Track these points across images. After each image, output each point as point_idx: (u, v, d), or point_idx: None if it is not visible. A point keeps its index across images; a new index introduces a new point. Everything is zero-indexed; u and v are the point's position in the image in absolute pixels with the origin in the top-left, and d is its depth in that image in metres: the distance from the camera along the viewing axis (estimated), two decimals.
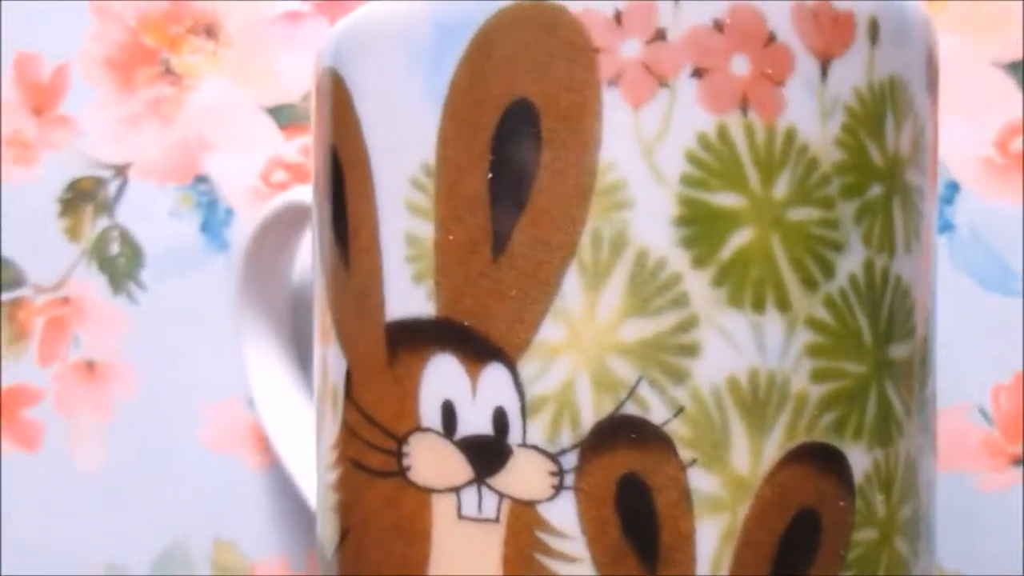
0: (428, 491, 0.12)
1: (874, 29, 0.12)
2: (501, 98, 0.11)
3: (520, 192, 0.11)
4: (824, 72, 0.11)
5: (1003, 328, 0.20)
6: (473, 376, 0.12)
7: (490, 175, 0.11)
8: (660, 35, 0.11)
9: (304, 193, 0.21)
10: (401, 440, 0.12)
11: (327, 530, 0.14)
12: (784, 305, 0.11)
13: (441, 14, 0.12)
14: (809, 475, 0.11)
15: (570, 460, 0.11)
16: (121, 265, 0.25)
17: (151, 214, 0.25)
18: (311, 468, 0.21)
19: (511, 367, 0.11)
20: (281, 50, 0.24)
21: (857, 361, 0.12)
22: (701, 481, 0.11)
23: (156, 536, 0.24)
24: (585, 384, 0.11)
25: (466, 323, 0.12)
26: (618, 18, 0.11)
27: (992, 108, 0.20)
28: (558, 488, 0.11)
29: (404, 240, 0.12)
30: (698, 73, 0.11)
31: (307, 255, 0.23)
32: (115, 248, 0.25)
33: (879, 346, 0.12)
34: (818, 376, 0.11)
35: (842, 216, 0.12)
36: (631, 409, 0.11)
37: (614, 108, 0.11)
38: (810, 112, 0.11)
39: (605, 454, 0.11)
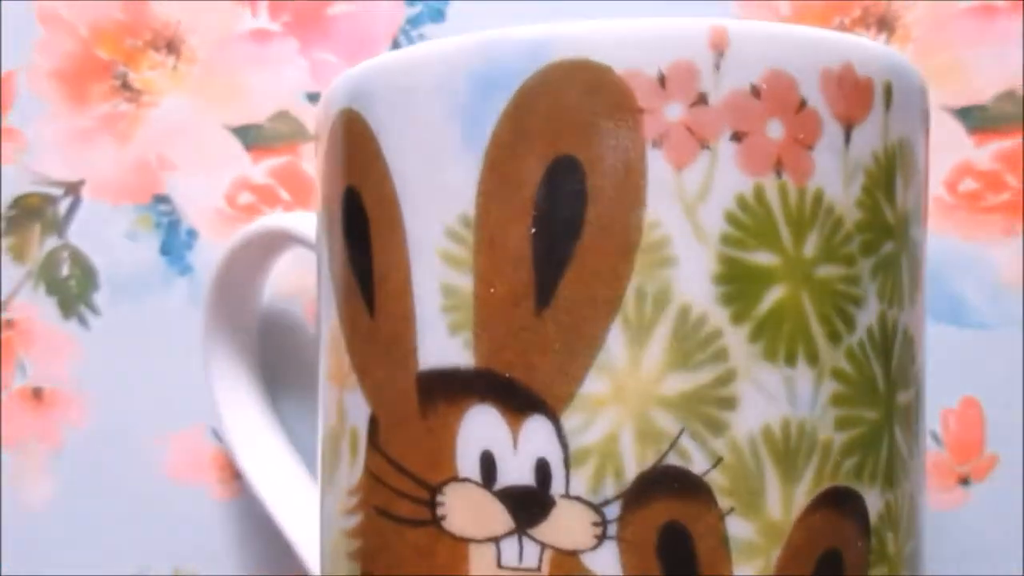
0: (466, 541, 0.12)
1: (888, 94, 0.12)
2: (545, 154, 0.12)
3: (565, 247, 0.12)
4: (848, 137, 0.12)
5: (952, 357, 0.21)
6: (514, 427, 0.12)
7: (533, 230, 0.12)
8: (702, 99, 0.11)
9: (281, 219, 0.20)
10: (435, 489, 0.12)
11: (340, 573, 0.14)
12: (813, 358, 0.12)
13: (481, 65, 0.12)
14: (833, 518, 0.12)
15: (613, 511, 0.11)
16: (72, 288, 0.24)
17: (105, 235, 0.24)
18: (288, 498, 0.21)
19: (554, 419, 0.12)
20: (248, 69, 0.23)
21: (872, 408, 0.12)
22: (738, 528, 0.12)
23: (111, 571, 0.23)
24: (629, 436, 0.11)
25: (508, 375, 0.12)
26: (662, 81, 0.11)
27: (943, 151, 0.21)
28: (601, 538, 0.12)
29: (440, 290, 0.12)
30: (737, 137, 0.11)
31: (278, 280, 0.23)
32: (65, 270, 0.24)
33: (890, 394, 0.13)
34: (841, 424, 0.12)
35: (862, 272, 0.12)
36: (673, 460, 0.11)
37: (658, 168, 0.11)
38: (835, 175, 0.12)
39: (647, 504, 0.11)
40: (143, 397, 0.23)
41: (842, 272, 0.12)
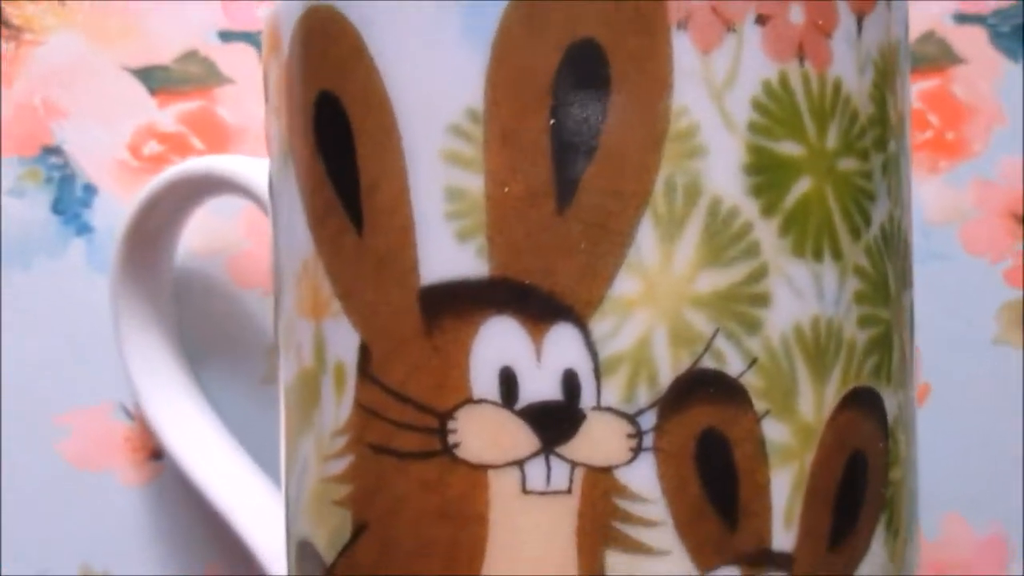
0: (484, 468, 0.11)
1: None
2: (562, 38, 0.11)
3: (588, 139, 0.11)
4: (860, 27, 0.12)
5: None
6: (537, 338, 0.11)
7: (552, 121, 0.11)
8: None
9: (214, 161, 0.18)
10: (445, 416, 0.11)
11: (326, 529, 0.12)
12: (838, 254, 0.11)
13: None
14: (858, 419, 0.12)
15: (648, 420, 0.11)
16: None
17: None
18: (223, 474, 0.19)
19: (581, 326, 0.11)
20: (149, 5, 0.21)
21: (885, 308, 0.12)
22: (774, 431, 0.11)
23: (8, 573, 0.20)
24: (663, 339, 0.11)
25: (527, 281, 0.11)
26: None
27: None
28: (636, 450, 0.11)
29: (444, 194, 0.11)
30: (761, 20, 0.11)
31: (191, 238, 0.21)
32: None
33: (897, 294, 0.12)
34: (862, 322, 0.12)
35: (874, 168, 0.12)
36: (708, 363, 0.11)
37: (683, 52, 0.11)
38: (851, 65, 0.12)
39: (684, 411, 0.11)
40: (39, 373, 0.21)
41: (860, 166, 0.12)
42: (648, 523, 0.11)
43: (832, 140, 0.11)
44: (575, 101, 0.11)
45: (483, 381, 0.11)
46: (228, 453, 0.19)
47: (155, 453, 0.21)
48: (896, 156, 0.12)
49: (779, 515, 0.11)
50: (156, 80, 0.21)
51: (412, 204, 0.11)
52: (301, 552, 0.13)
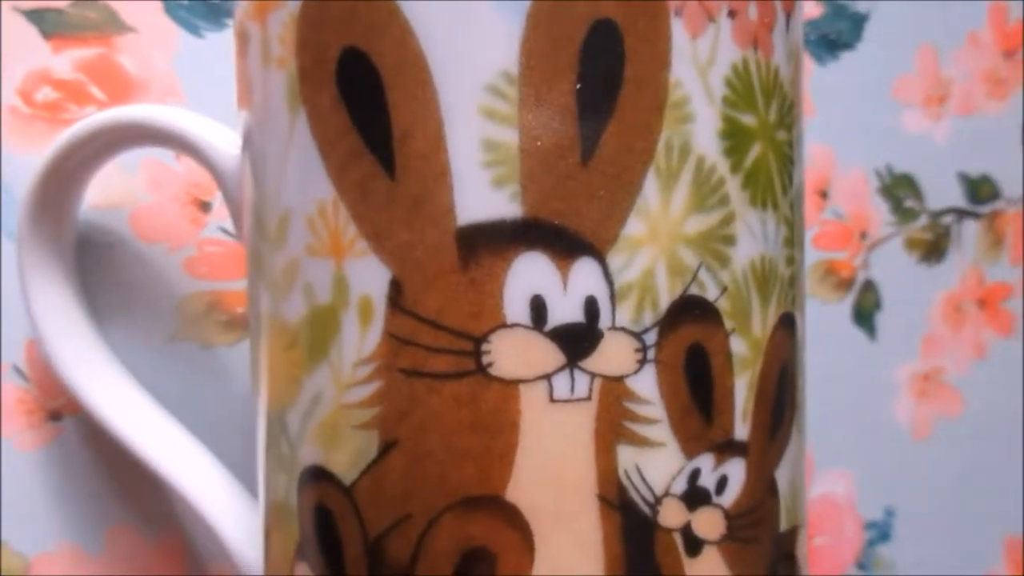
0: (516, 382, 0.13)
1: None
2: (586, 15, 0.13)
3: (607, 102, 0.13)
4: (788, 23, 0.15)
5: None
6: (563, 270, 0.13)
7: (579, 86, 0.13)
8: None
9: (124, 113, 0.18)
10: (480, 339, 0.13)
11: (345, 452, 0.14)
12: (775, 205, 0.14)
13: None
14: (785, 338, 0.15)
15: (651, 337, 0.13)
16: None
17: None
18: (144, 428, 0.19)
19: (601, 260, 0.13)
20: None
21: (797, 249, 0.15)
22: (737, 345, 0.14)
23: None
24: (662, 271, 0.13)
25: (556, 222, 0.13)
26: None
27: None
28: (642, 362, 0.13)
29: (480, 146, 0.13)
30: (731, 14, 0.13)
31: (90, 191, 0.20)
32: None
33: (800, 239, 0.16)
34: (788, 261, 0.15)
35: (794, 139, 0.15)
36: (694, 290, 0.13)
37: (679, 35, 0.13)
38: (783, 56, 0.15)
39: (677, 329, 0.13)
40: None
41: (787, 137, 0.15)
42: (650, 421, 0.13)
43: (772, 115, 0.14)
44: (597, 70, 0.13)
45: (515, 308, 0.13)
46: (145, 407, 0.19)
47: (52, 414, 0.20)
48: (799, 131, 0.16)
49: (739, 413, 0.14)
50: (50, 24, 0.20)
51: (448, 152, 0.13)
52: (308, 478, 0.14)
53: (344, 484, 0.14)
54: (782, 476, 0.15)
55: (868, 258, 0.28)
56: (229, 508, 0.19)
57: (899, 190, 0.28)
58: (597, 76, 0.13)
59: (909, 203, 0.28)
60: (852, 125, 0.28)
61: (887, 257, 0.28)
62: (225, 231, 0.21)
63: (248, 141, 0.16)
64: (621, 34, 0.13)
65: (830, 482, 0.27)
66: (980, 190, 0.30)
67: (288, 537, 0.15)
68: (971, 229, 0.29)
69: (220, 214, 0.21)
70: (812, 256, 0.27)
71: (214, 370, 0.21)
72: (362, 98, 0.13)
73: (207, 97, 0.21)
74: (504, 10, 0.13)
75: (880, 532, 0.28)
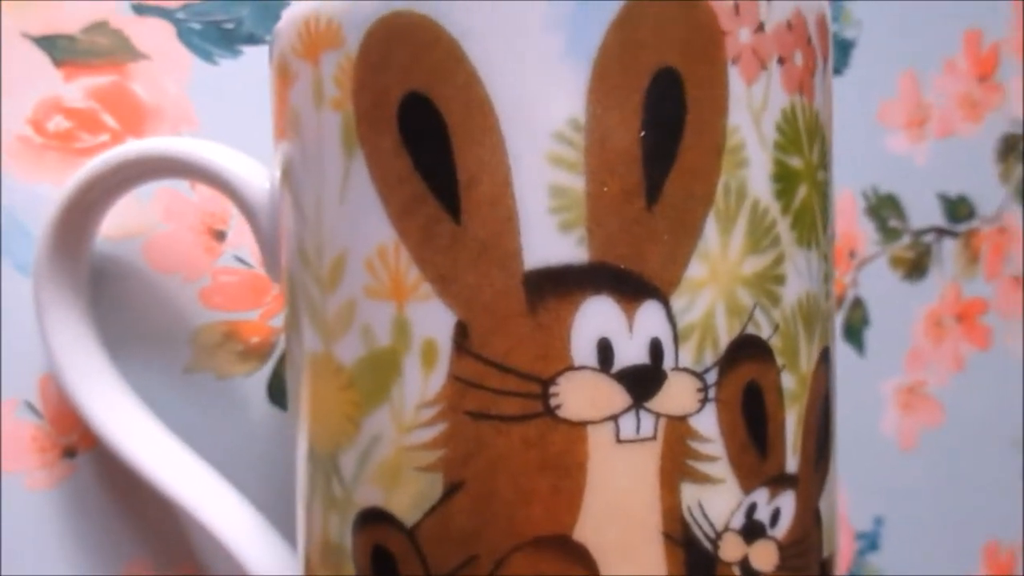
0: (583, 424, 0.13)
1: (826, 32, 0.16)
2: (649, 65, 0.13)
3: (670, 148, 0.13)
4: (824, 68, 0.15)
5: None
6: (629, 313, 0.13)
7: (642, 133, 0.13)
8: (761, 27, 0.14)
9: (149, 145, 0.18)
10: (548, 382, 0.13)
11: (408, 494, 0.14)
12: (817, 244, 0.15)
13: None
14: (824, 371, 0.15)
15: (712, 376, 0.13)
16: None
17: None
18: (162, 461, 0.19)
19: (664, 302, 0.13)
20: None
21: (830, 284, 0.16)
22: (787, 381, 0.14)
23: None
24: (722, 312, 0.13)
25: (623, 266, 0.13)
26: (736, 9, 0.13)
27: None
28: (704, 401, 0.13)
29: (548, 191, 0.13)
30: (781, 61, 0.14)
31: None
32: None
33: (833, 273, 0.16)
34: (826, 297, 0.15)
35: (828, 179, 0.16)
36: (750, 329, 0.14)
37: (735, 82, 0.13)
38: (822, 99, 0.15)
39: (735, 368, 0.13)
40: None
41: (825, 177, 0.15)
42: (711, 459, 0.13)
43: (815, 157, 0.15)
44: (661, 117, 0.13)
45: (583, 350, 0.13)
46: (163, 440, 0.19)
47: (67, 451, 0.20)
48: (831, 173, 0.16)
49: (789, 447, 0.14)
50: (61, 51, 0.19)
51: (515, 197, 0.13)
52: (365, 520, 0.14)
53: (406, 526, 0.14)
54: (824, 505, 0.15)
55: (857, 276, 0.29)
56: (255, 541, 0.18)
57: (884, 210, 0.29)
58: (660, 123, 0.13)
59: (893, 223, 0.29)
60: (840, 148, 0.29)
61: (874, 275, 0.29)
62: (240, 260, 0.21)
63: (289, 175, 0.15)
64: (683, 82, 0.13)
65: None
66: (958, 209, 0.31)
67: None
68: (950, 247, 0.31)
69: (234, 243, 0.21)
70: None
71: (230, 401, 0.21)
72: (425, 143, 0.13)
73: (222, 124, 0.21)
74: (572, 57, 0.13)
75: (870, 542, 0.29)
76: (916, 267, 0.30)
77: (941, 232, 0.30)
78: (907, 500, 0.29)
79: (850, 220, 0.29)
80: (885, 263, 0.29)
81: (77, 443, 0.20)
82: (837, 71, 0.28)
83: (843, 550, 0.29)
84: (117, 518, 0.20)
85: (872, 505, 0.29)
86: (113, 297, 0.20)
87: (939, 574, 0.30)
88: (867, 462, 0.29)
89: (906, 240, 0.29)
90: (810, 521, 0.15)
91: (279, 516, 0.19)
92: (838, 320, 0.29)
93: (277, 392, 0.21)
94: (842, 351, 0.29)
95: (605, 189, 0.13)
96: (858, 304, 0.29)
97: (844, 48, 0.28)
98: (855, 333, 0.29)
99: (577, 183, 0.13)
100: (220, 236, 0.21)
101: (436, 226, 0.13)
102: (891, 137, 0.29)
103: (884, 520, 0.29)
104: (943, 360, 0.30)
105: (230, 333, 0.21)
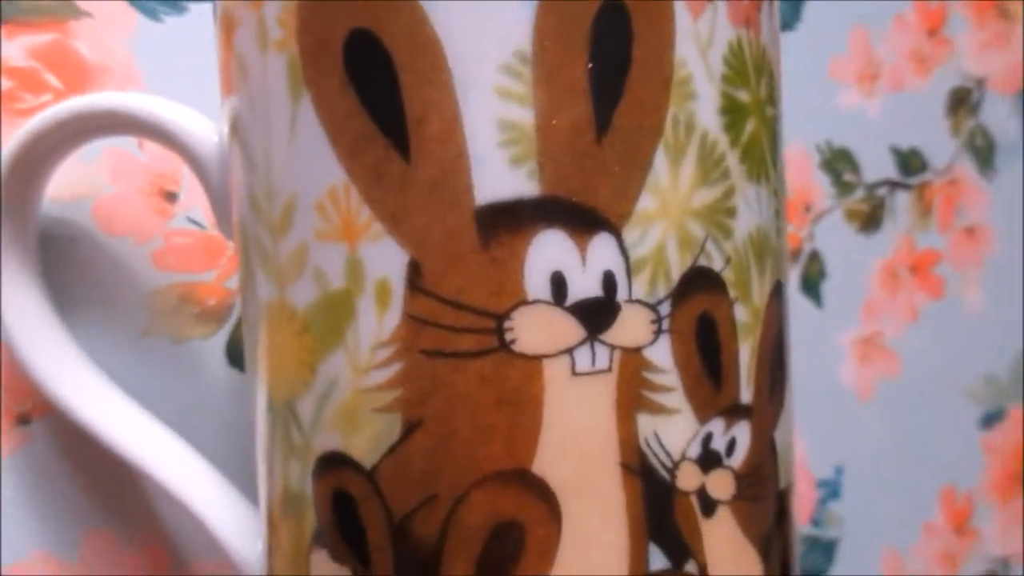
0: (539, 357, 0.13)
1: None
2: None
3: (618, 81, 0.13)
4: (771, 5, 0.15)
5: None
6: (582, 247, 0.13)
7: (590, 65, 0.13)
8: None
9: (94, 101, 0.17)
10: (502, 317, 0.13)
11: (365, 436, 0.14)
12: (768, 179, 0.15)
13: None
14: (777, 306, 0.15)
15: (665, 308, 0.13)
16: None
17: None
18: (123, 425, 0.18)
19: (617, 235, 0.13)
20: None
21: (782, 221, 0.16)
22: (740, 313, 0.14)
23: None
24: (673, 244, 0.13)
25: (574, 199, 0.13)
26: None
27: None
28: (657, 333, 0.13)
29: (497, 126, 0.13)
30: None
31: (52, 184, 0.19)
32: None
33: (783, 211, 0.16)
34: (778, 233, 0.16)
35: (777, 115, 0.16)
36: (702, 261, 0.14)
37: (681, 16, 0.13)
38: (768, 35, 0.15)
39: (688, 300, 0.14)
40: None
41: (774, 113, 0.15)
42: (666, 389, 0.14)
43: (763, 91, 0.15)
44: (607, 50, 0.13)
45: (536, 284, 0.13)
46: (123, 405, 0.19)
47: (21, 418, 0.19)
48: (782, 110, 0.16)
49: (743, 378, 0.14)
50: (1, 9, 0.19)
51: (465, 133, 0.13)
52: (325, 465, 0.14)
53: (365, 468, 0.14)
54: (779, 437, 0.15)
55: (813, 230, 0.29)
56: (218, 502, 0.18)
57: (838, 164, 0.29)
58: (607, 56, 0.13)
59: (847, 176, 0.30)
60: (793, 103, 0.29)
61: (829, 228, 0.30)
62: (193, 221, 0.21)
63: (237, 127, 0.15)
64: (629, 15, 0.13)
65: None
66: (910, 162, 0.31)
67: (302, 526, 0.15)
68: (903, 200, 0.31)
69: (187, 204, 0.21)
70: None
71: (188, 364, 0.21)
72: (372, 81, 0.13)
73: (167, 83, 0.20)
74: None
75: (831, 490, 0.30)
76: (871, 220, 0.30)
77: (894, 185, 0.31)
78: (866, 449, 0.30)
79: (805, 174, 0.29)
80: (840, 216, 0.30)
81: (31, 411, 0.19)
82: (788, 27, 0.29)
83: (805, 498, 0.29)
84: (75, 486, 0.20)
85: (832, 454, 0.30)
86: (63, 261, 0.20)
87: (899, 520, 0.31)
88: (826, 412, 0.29)
89: (860, 193, 0.30)
90: (766, 451, 0.15)
91: (239, 480, 0.19)
92: (795, 274, 0.29)
93: (235, 355, 0.21)
94: (800, 304, 0.29)
95: (554, 122, 0.13)
96: (815, 257, 0.29)
97: (795, 4, 0.29)
98: (812, 286, 0.29)
99: (526, 117, 0.13)
100: (171, 198, 0.21)
101: (386, 165, 0.13)
102: (843, 92, 0.30)
103: (844, 468, 0.30)
104: (898, 311, 0.31)
105: (186, 296, 0.21)
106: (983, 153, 0.33)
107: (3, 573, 0.19)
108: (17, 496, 0.19)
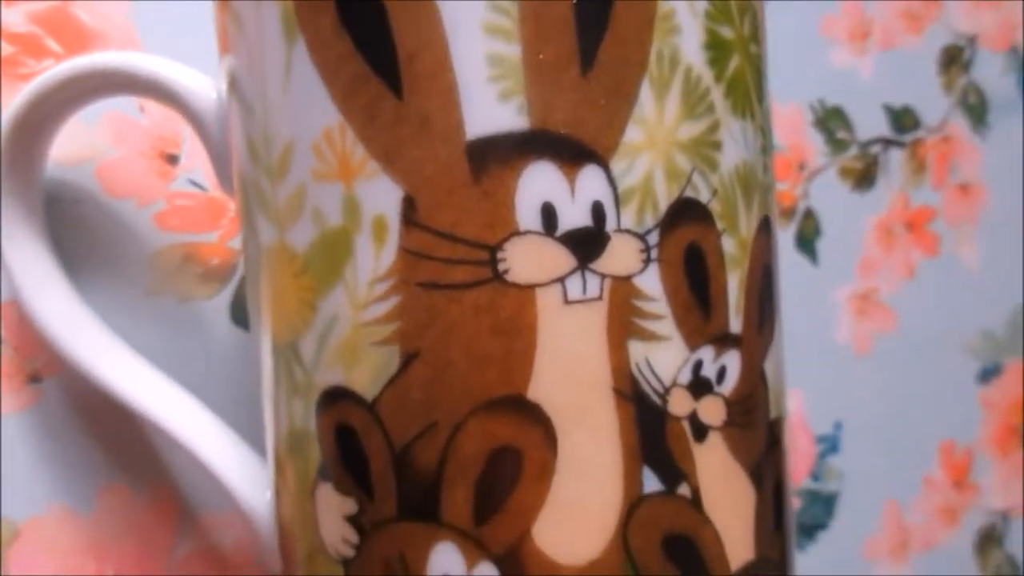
0: (532, 287, 0.13)
1: None
2: None
3: (602, 16, 0.13)
4: None
5: None
6: (570, 178, 0.13)
7: (575, 1, 0.13)
8: None
9: (96, 60, 0.18)
10: (495, 248, 0.13)
11: (366, 369, 0.14)
12: (753, 115, 0.15)
13: None
14: (766, 239, 0.16)
15: (653, 238, 0.14)
16: None
17: None
18: (133, 379, 0.19)
19: (604, 166, 0.13)
20: None
21: (769, 158, 0.16)
22: (728, 244, 0.15)
23: None
24: (660, 175, 0.14)
25: (562, 131, 0.13)
26: None
27: None
28: (647, 261, 0.14)
29: (485, 61, 0.13)
30: None
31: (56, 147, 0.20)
32: None
33: (772, 148, 0.17)
34: (764, 169, 0.16)
35: (762, 54, 0.16)
36: (689, 193, 0.14)
37: None
38: None
39: (676, 230, 0.14)
40: None
41: (758, 51, 0.16)
42: (656, 317, 0.14)
43: (747, 29, 0.15)
44: None
45: (527, 216, 0.13)
46: (131, 361, 0.19)
47: (32, 376, 0.20)
48: (767, 50, 0.17)
49: (732, 307, 0.15)
50: None
51: (455, 70, 0.13)
52: (327, 400, 0.15)
53: (366, 401, 0.14)
54: (769, 367, 0.16)
55: (807, 188, 0.30)
56: (227, 453, 0.19)
57: (831, 122, 0.30)
58: None
59: (841, 134, 0.30)
60: (785, 62, 0.30)
61: (824, 186, 0.30)
62: (195, 183, 0.21)
63: (235, 83, 0.16)
64: None
65: None
66: (903, 120, 0.31)
67: (307, 462, 0.15)
68: (896, 157, 0.31)
69: (188, 167, 0.21)
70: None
71: (193, 323, 0.21)
72: (364, 21, 0.13)
73: (166, 47, 0.20)
74: None
75: (830, 445, 0.30)
76: (864, 177, 0.31)
77: (888, 143, 0.31)
78: (864, 404, 0.30)
79: (799, 132, 0.30)
80: (834, 174, 0.30)
81: (42, 369, 0.20)
82: None
83: (804, 453, 0.30)
84: (88, 442, 0.20)
85: (831, 410, 0.30)
86: (68, 222, 0.20)
87: (898, 475, 0.31)
88: (824, 368, 0.30)
89: (854, 151, 0.30)
90: (756, 380, 0.15)
91: (245, 434, 0.19)
92: (790, 231, 0.29)
93: (239, 313, 0.21)
94: (795, 261, 0.29)
95: (541, 57, 0.13)
96: (809, 215, 0.30)
97: None
98: (808, 243, 0.30)
99: (513, 52, 0.13)
100: (173, 160, 0.21)
101: (379, 103, 0.14)
102: (835, 50, 0.30)
103: (843, 424, 0.30)
104: (894, 267, 0.31)
105: (189, 256, 0.21)
106: (976, 110, 0.33)
107: (23, 527, 0.20)
108: (32, 453, 0.20)
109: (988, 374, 0.33)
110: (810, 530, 0.30)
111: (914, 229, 0.32)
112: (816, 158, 0.30)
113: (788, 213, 0.29)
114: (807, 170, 0.30)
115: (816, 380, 0.30)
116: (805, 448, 0.30)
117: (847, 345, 0.30)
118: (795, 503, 0.29)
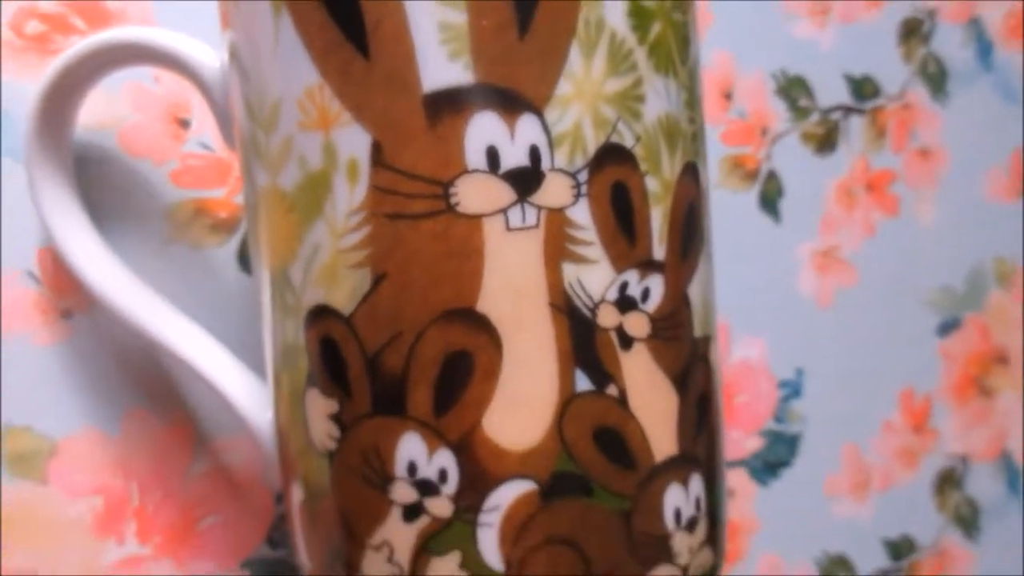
0: (479, 216, 0.16)
1: None
2: None
3: None
4: None
5: None
6: (511, 125, 0.16)
7: None
8: None
9: (116, 34, 0.20)
10: (448, 184, 0.16)
11: (344, 289, 0.17)
12: (676, 73, 0.18)
13: None
14: (690, 182, 0.18)
15: (583, 176, 0.16)
16: None
17: None
18: (150, 311, 0.22)
19: (540, 115, 0.16)
20: None
21: (694, 111, 0.19)
22: (651, 184, 0.17)
23: None
24: (588, 123, 0.16)
25: (503, 85, 0.16)
26: None
27: None
28: (577, 196, 0.16)
29: (438, 27, 0.16)
30: None
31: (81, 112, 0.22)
32: None
33: (698, 105, 0.19)
34: (688, 120, 0.18)
35: (688, 21, 0.19)
36: (615, 139, 0.17)
37: None
38: None
39: (602, 170, 0.17)
40: None
41: (683, 19, 0.18)
42: (586, 243, 0.17)
43: (669, 1, 0.18)
44: None
45: (474, 156, 0.16)
46: (152, 299, 0.22)
47: (64, 313, 0.23)
48: (695, 18, 0.19)
49: (656, 237, 0.17)
50: None
51: (412, 35, 0.16)
52: (313, 317, 0.17)
53: (344, 316, 0.17)
54: (694, 292, 0.18)
55: (770, 151, 0.32)
56: (235, 378, 0.22)
57: (793, 91, 0.32)
58: None
59: (803, 102, 0.32)
60: (748, 33, 0.32)
61: (786, 150, 0.32)
62: (204, 145, 0.24)
63: (234, 53, 0.18)
64: None
65: (746, 348, 0.31)
66: (863, 89, 0.34)
67: (298, 372, 0.18)
68: (857, 123, 0.34)
69: (198, 130, 0.24)
70: (720, 151, 0.31)
71: (205, 268, 0.24)
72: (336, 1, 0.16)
73: (177, 23, 0.23)
74: None
75: (792, 389, 0.33)
76: (826, 142, 0.33)
77: (848, 110, 0.33)
78: (826, 353, 0.33)
79: (762, 99, 0.32)
80: (796, 139, 0.32)
81: (73, 306, 0.23)
82: None
83: (767, 396, 0.32)
84: (115, 372, 0.23)
85: (793, 357, 0.32)
86: (95, 179, 0.23)
87: (860, 419, 0.33)
88: (787, 318, 0.32)
89: (815, 117, 0.32)
90: (679, 301, 0.18)
91: (249, 364, 0.22)
92: (754, 192, 0.32)
93: (245, 260, 0.24)
94: (759, 219, 0.32)
95: (484, 23, 0.16)
96: (772, 176, 0.32)
97: None
98: (771, 203, 0.32)
99: (461, 19, 0.16)
100: (185, 124, 0.24)
101: (351, 64, 0.16)
102: (797, 24, 0.32)
103: (805, 371, 0.32)
104: (855, 226, 0.33)
105: (200, 209, 0.24)
106: (935, 79, 0.35)
107: (60, 444, 0.23)
108: (65, 380, 0.23)
109: (948, 327, 0.35)
110: (773, 467, 0.32)
111: (874, 190, 0.34)
112: (779, 124, 0.32)
113: (752, 175, 0.32)
114: (770, 135, 0.32)
115: (779, 329, 0.32)
116: (768, 392, 0.32)
117: (809, 297, 0.33)
118: (758, 442, 0.32)
